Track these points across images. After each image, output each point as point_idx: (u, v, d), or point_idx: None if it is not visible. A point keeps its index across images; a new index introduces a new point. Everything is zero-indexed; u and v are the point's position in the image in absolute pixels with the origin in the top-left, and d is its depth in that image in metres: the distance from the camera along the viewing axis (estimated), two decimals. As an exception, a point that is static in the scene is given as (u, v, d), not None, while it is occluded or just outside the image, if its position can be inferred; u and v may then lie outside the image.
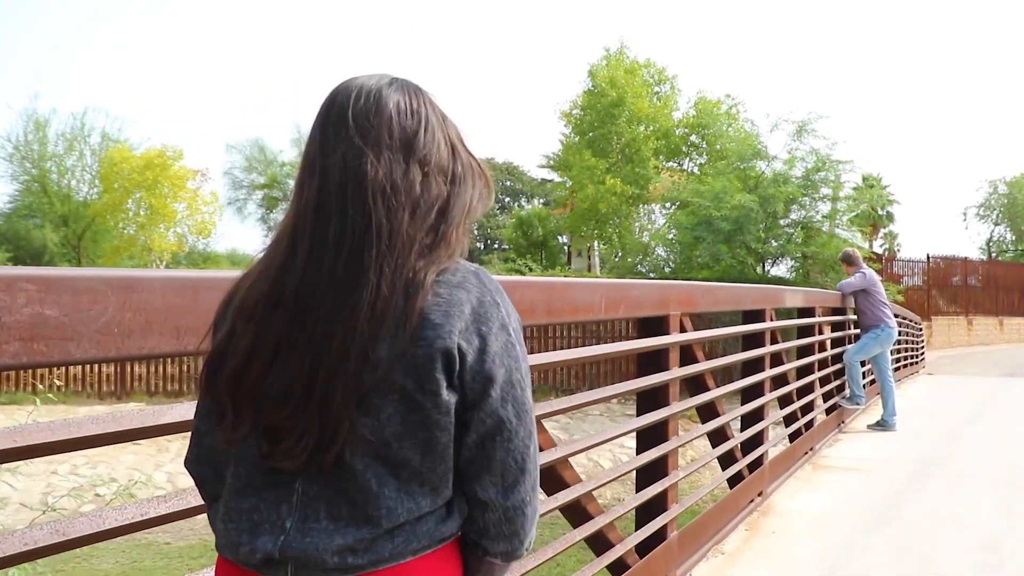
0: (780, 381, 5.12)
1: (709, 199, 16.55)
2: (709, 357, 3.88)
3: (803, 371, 5.84)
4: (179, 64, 74.26)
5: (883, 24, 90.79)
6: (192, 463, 1.01)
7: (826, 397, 6.65)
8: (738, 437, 4.19)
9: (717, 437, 4.03)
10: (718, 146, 19.89)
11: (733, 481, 4.26)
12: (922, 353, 16.40)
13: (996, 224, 39.11)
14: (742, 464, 4.26)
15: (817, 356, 6.05)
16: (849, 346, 7.08)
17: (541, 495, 1.48)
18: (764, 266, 17.00)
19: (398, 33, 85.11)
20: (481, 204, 0.99)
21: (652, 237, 18.33)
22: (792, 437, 5.45)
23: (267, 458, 0.90)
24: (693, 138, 23.78)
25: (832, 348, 6.91)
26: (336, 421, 0.86)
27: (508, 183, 53.71)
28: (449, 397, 0.90)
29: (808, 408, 5.78)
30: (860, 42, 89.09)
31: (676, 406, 3.33)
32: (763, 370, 4.66)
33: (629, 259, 21.39)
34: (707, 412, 3.93)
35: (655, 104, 23.89)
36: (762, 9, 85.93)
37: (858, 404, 7.05)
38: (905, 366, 12.99)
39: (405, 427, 0.90)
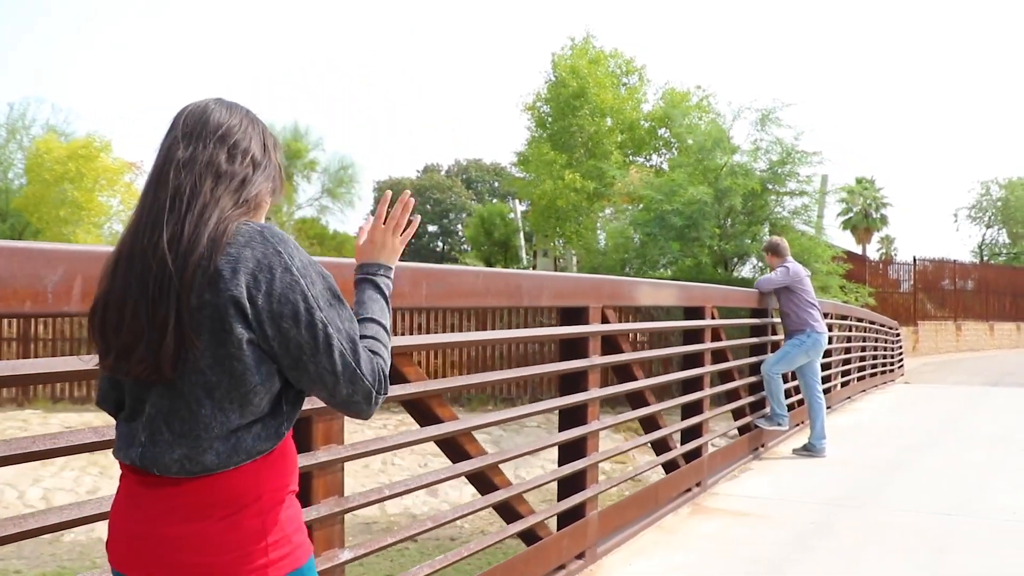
0: (638, 400, 4.58)
1: (662, 193, 16.79)
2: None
3: (689, 386, 5.36)
4: (176, 64, 73.75)
5: (874, 24, 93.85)
6: (99, 402, 1.44)
7: (737, 415, 6.37)
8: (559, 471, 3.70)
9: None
10: (690, 140, 20.55)
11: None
12: (899, 361, 16.87)
13: (988, 226, 40.86)
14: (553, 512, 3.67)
15: (707, 368, 5.44)
16: (769, 355, 6.62)
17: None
18: (726, 266, 17.21)
19: (398, 31, 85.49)
20: (277, 193, 1.48)
21: (607, 235, 18.89)
22: (667, 468, 4.93)
23: (123, 373, 1.33)
24: (663, 132, 24.47)
25: (751, 356, 6.65)
26: (166, 350, 1.28)
27: (496, 184, 54.12)
28: (243, 334, 1.28)
29: (695, 432, 5.28)
30: (851, 43, 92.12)
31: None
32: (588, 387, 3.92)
33: (591, 259, 22.02)
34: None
35: (620, 96, 24.70)
36: (751, 6, 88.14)
37: (779, 425, 6.57)
38: (875, 375, 13.42)
39: (214, 358, 1.29)
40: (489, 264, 30.76)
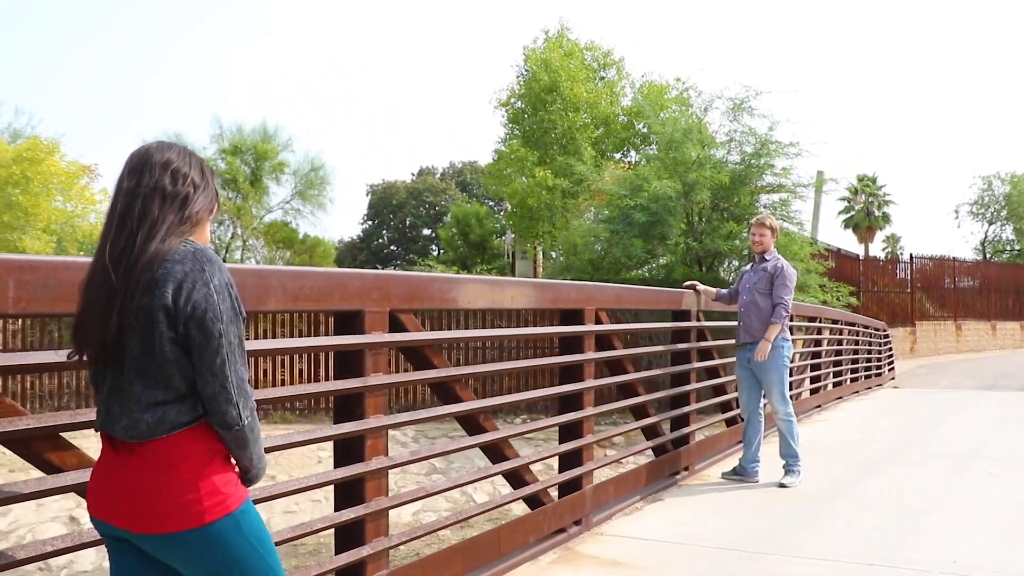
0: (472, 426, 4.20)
1: (627, 188, 17.12)
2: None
3: (567, 403, 4.97)
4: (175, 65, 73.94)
5: (873, 19, 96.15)
6: (91, 381, 2.00)
7: (649, 433, 6.14)
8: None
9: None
10: (679, 136, 21.39)
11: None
12: (889, 363, 17.61)
13: (991, 222, 42.45)
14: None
15: (587, 384, 5.00)
16: (773, 389, 6.37)
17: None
18: (701, 266, 17.44)
19: (398, 31, 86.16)
20: (212, 209, 2.00)
21: (576, 235, 19.48)
22: (530, 504, 4.58)
23: (87, 358, 1.90)
24: (641, 127, 25.41)
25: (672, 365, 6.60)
26: (106, 336, 1.83)
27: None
28: (167, 330, 1.82)
29: (574, 460, 4.93)
30: (850, 38, 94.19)
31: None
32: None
33: (562, 259, 22.70)
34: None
35: (596, 89, 25.81)
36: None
37: (799, 473, 6.39)
38: (857, 379, 14.20)
39: (145, 347, 1.82)
40: (465, 268, 31.78)
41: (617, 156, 26.73)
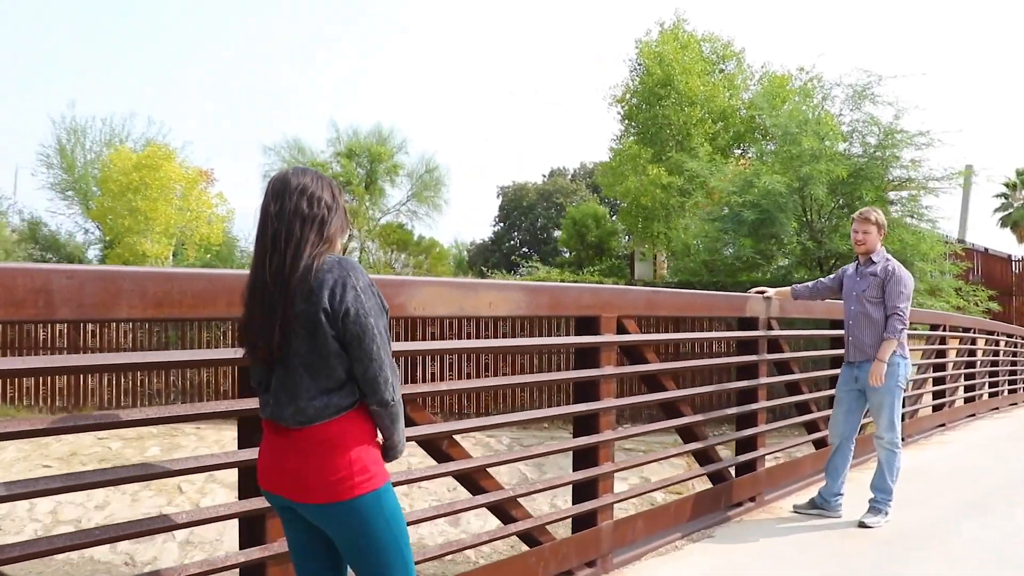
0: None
1: (736, 185, 16.22)
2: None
3: (581, 426, 4.32)
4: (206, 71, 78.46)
5: None
6: (251, 380, 2.33)
7: (701, 460, 5.35)
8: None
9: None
10: (794, 129, 19.99)
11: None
12: None
13: None
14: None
15: (604, 403, 4.27)
16: (880, 416, 5.47)
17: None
18: (821, 268, 16.09)
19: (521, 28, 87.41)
20: (343, 227, 2.31)
21: (689, 236, 18.41)
22: (528, 542, 3.96)
23: (255, 359, 2.25)
24: (763, 120, 23.94)
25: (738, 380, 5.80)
26: (274, 341, 2.17)
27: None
28: (328, 329, 2.16)
29: (588, 489, 4.25)
30: (1002, 13, 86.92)
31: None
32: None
33: (677, 262, 21.70)
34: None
35: (712, 82, 24.52)
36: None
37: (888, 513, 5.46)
38: (1000, 394, 12.86)
39: (310, 346, 2.17)
40: (580, 269, 30.95)
41: (738, 152, 25.37)
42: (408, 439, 3.26)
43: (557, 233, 54.54)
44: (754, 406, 5.86)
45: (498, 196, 55.51)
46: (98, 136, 29.67)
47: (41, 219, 30.59)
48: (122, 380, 16.97)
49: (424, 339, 15.13)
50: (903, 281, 5.40)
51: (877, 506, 5.46)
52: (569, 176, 58.43)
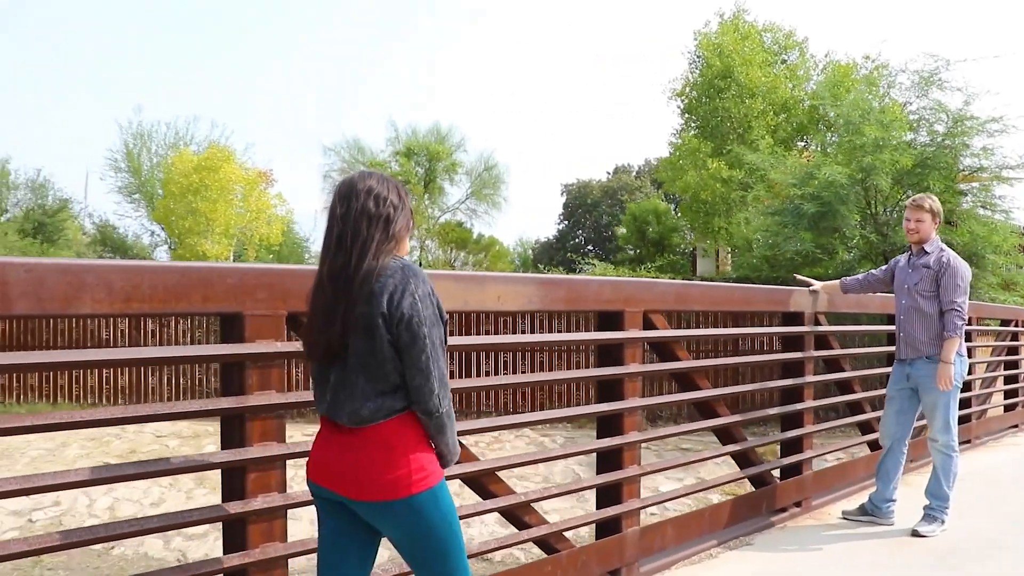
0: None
1: (796, 177, 15.66)
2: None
3: (604, 426, 4.11)
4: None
5: None
6: (314, 375, 2.32)
7: (743, 462, 5.07)
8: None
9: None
10: (857, 118, 19.20)
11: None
12: None
13: None
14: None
15: (629, 403, 4.02)
16: (933, 418, 5.13)
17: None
18: (887, 261, 15.79)
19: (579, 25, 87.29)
20: (410, 226, 2.32)
21: (744, 228, 17.83)
22: (545, 549, 3.73)
23: (315, 356, 2.26)
24: (829, 112, 23.21)
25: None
26: (333, 340, 2.18)
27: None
28: (385, 333, 2.15)
29: (613, 495, 4.02)
30: None
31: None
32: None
33: (739, 258, 21.14)
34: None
35: (773, 74, 23.86)
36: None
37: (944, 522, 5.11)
38: None
39: (367, 348, 2.17)
40: (640, 266, 30.45)
41: (800, 144, 24.63)
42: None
43: (622, 231, 53.99)
44: (799, 406, 5.54)
45: (562, 194, 55.16)
46: (163, 140, 30.54)
47: (109, 222, 31.57)
48: (180, 377, 17.24)
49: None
50: (959, 273, 5.03)
51: (932, 514, 5.11)
52: (634, 173, 57.79)
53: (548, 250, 51.30)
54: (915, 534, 4.99)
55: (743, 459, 5.11)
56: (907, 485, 5.62)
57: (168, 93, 68.83)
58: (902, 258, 5.37)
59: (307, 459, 2.36)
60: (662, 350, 4.47)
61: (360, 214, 2.20)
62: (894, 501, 5.30)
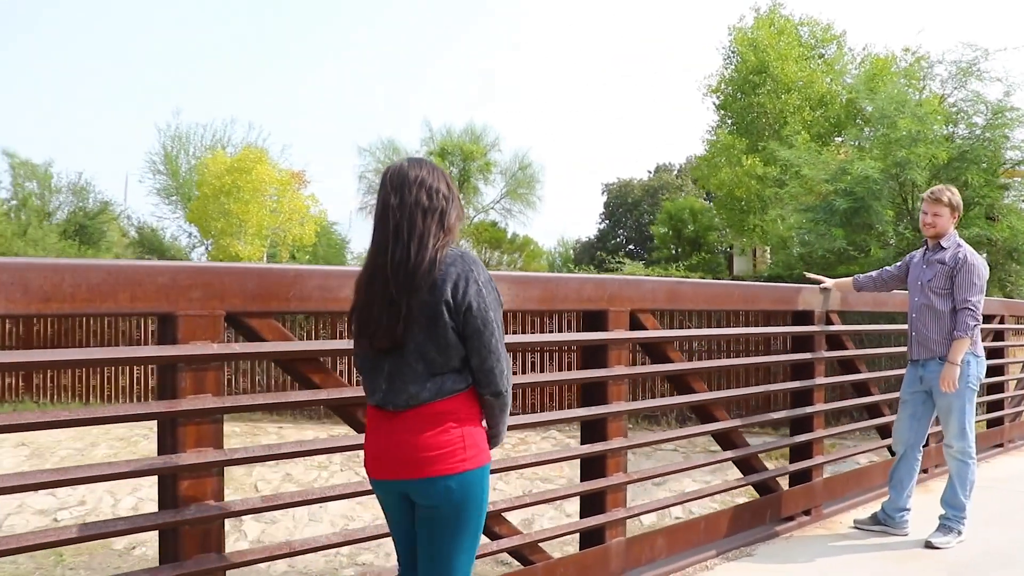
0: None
1: (828, 172, 15.40)
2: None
3: (588, 431, 3.93)
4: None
5: None
6: (357, 365, 2.36)
7: (746, 467, 4.88)
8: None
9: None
10: (892, 111, 18.63)
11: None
12: None
13: None
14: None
15: (612, 407, 3.83)
16: (948, 423, 4.84)
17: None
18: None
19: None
20: (461, 218, 2.35)
21: (779, 226, 17.37)
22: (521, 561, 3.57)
23: (372, 348, 2.26)
24: (866, 107, 22.65)
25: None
26: (398, 331, 2.19)
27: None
28: (449, 320, 2.19)
29: (596, 503, 3.87)
30: None
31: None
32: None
33: (775, 256, 20.70)
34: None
35: (809, 68, 23.32)
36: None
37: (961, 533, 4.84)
38: None
39: (428, 335, 2.20)
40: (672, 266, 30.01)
41: (839, 140, 24.07)
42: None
43: (663, 230, 53.32)
44: (809, 409, 5.30)
45: (603, 193, 54.85)
46: (200, 142, 30.90)
47: (147, 223, 32.04)
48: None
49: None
50: (975, 270, 4.75)
51: (948, 524, 4.84)
52: (675, 172, 57.26)
53: (589, 249, 50.99)
54: (928, 545, 4.73)
55: (746, 465, 4.90)
56: (928, 492, 5.35)
57: (208, 97, 69.79)
58: (917, 253, 5.11)
59: (363, 460, 2.38)
60: (653, 351, 4.28)
61: (415, 206, 2.22)
62: (908, 510, 5.03)
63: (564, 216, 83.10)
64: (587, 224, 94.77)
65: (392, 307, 2.19)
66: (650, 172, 57.70)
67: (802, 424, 5.34)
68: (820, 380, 5.35)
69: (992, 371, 8.19)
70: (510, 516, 3.48)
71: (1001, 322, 8.09)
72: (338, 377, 2.97)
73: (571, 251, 50.67)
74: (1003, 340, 8.21)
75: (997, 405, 8.20)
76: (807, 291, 5.26)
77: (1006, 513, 5.56)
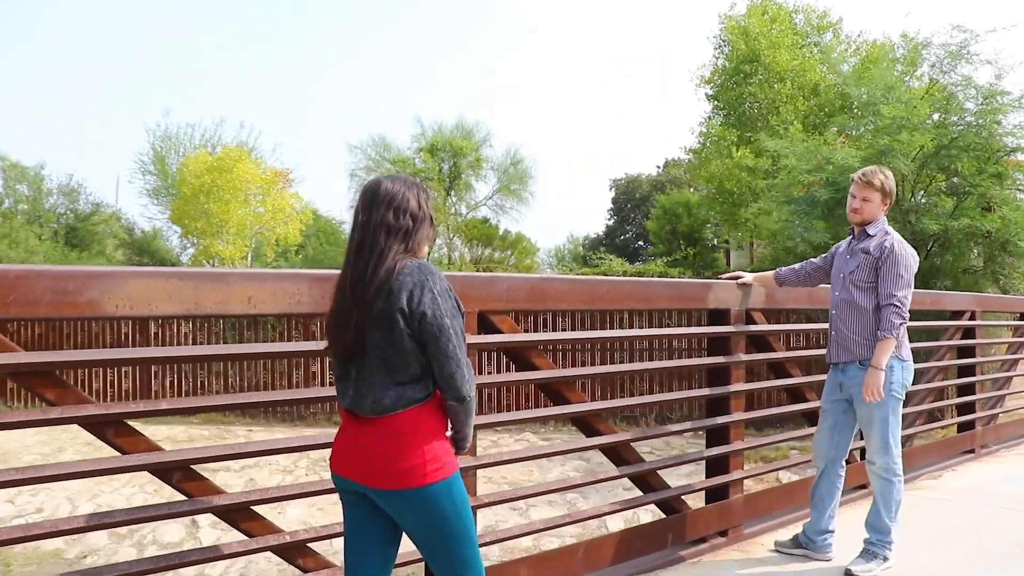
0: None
1: (809, 162, 14.87)
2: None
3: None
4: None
5: None
6: (337, 371, 2.43)
7: (642, 487, 4.41)
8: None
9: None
10: (864, 95, 18.00)
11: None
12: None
13: None
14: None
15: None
16: (874, 437, 4.28)
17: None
18: (917, 252, 14.49)
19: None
20: (430, 237, 2.46)
21: (768, 219, 16.80)
22: None
23: (337, 354, 2.38)
24: (864, 96, 21.91)
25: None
26: (358, 337, 2.31)
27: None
28: (405, 328, 2.29)
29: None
30: None
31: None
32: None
33: (766, 250, 20.12)
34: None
35: (801, 56, 22.63)
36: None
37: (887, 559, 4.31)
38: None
39: (386, 342, 2.30)
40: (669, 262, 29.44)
41: (834, 129, 23.41)
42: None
43: (664, 225, 52.66)
44: (725, 419, 4.77)
45: (610, 189, 54.44)
46: (190, 142, 30.51)
47: (138, 224, 31.74)
48: (182, 380, 17.18)
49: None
50: (902, 261, 4.20)
51: (871, 549, 4.29)
52: (684, 167, 56.77)
53: (597, 246, 50.55)
54: (848, 574, 4.19)
55: (643, 483, 4.37)
56: (859, 511, 4.81)
57: (199, 97, 69.48)
58: (843, 243, 4.57)
59: (330, 454, 2.49)
60: (516, 357, 3.76)
61: (379, 224, 2.33)
62: (831, 532, 4.49)
63: (572, 214, 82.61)
64: (596, 221, 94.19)
65: (346, 319, 2.33)
66: (659, 167, 57.19)
67: (718, 435, 4.81)
68: (737, 387, 4.81)
69: (964, 371, 7.68)
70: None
71: (972, 318, 7.53)
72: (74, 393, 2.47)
73: (580, 247, 50.51)
74: (974, 338, 7.64)
75: (968, 408, 7.66)
76: (719, 287, 4.72)
77: (959, 531, 5.02)
